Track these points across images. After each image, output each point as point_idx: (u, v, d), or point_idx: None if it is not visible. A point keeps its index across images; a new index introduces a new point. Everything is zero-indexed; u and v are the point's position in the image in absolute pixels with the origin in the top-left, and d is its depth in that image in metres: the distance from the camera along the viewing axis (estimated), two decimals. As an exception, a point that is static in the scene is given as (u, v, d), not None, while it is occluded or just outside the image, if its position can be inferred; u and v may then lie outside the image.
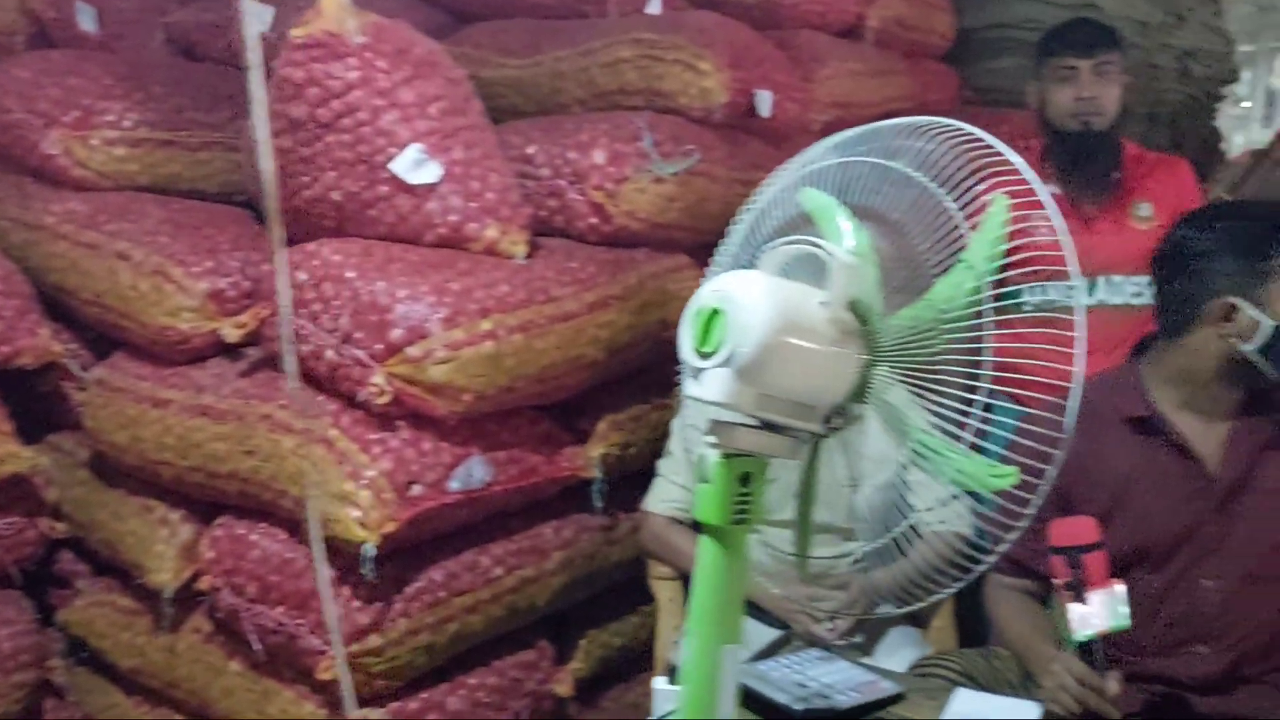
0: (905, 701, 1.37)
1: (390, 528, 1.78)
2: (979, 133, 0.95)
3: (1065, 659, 1.35)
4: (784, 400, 0.96)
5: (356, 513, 1.77)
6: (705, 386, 0.94)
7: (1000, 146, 0.94)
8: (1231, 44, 3.42)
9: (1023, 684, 1.52)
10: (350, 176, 1.91)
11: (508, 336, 1.89)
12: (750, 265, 1.06)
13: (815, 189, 1.03)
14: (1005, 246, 0.97)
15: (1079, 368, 0.95)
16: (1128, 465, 1.53)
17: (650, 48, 2.40)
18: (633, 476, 2.15)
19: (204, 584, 1.98)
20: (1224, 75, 3.36)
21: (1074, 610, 1.28)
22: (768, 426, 0.98)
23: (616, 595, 2.29)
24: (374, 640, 1.84)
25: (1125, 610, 1.29)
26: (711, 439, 0.97)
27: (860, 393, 0.98)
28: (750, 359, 0.91)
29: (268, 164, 1.60)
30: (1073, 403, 0.97)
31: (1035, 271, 2.18)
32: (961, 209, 0.94)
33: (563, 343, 2.00)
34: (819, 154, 1.05)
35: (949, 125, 0.97)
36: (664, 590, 2.06)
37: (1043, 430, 0.95)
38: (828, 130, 2.84)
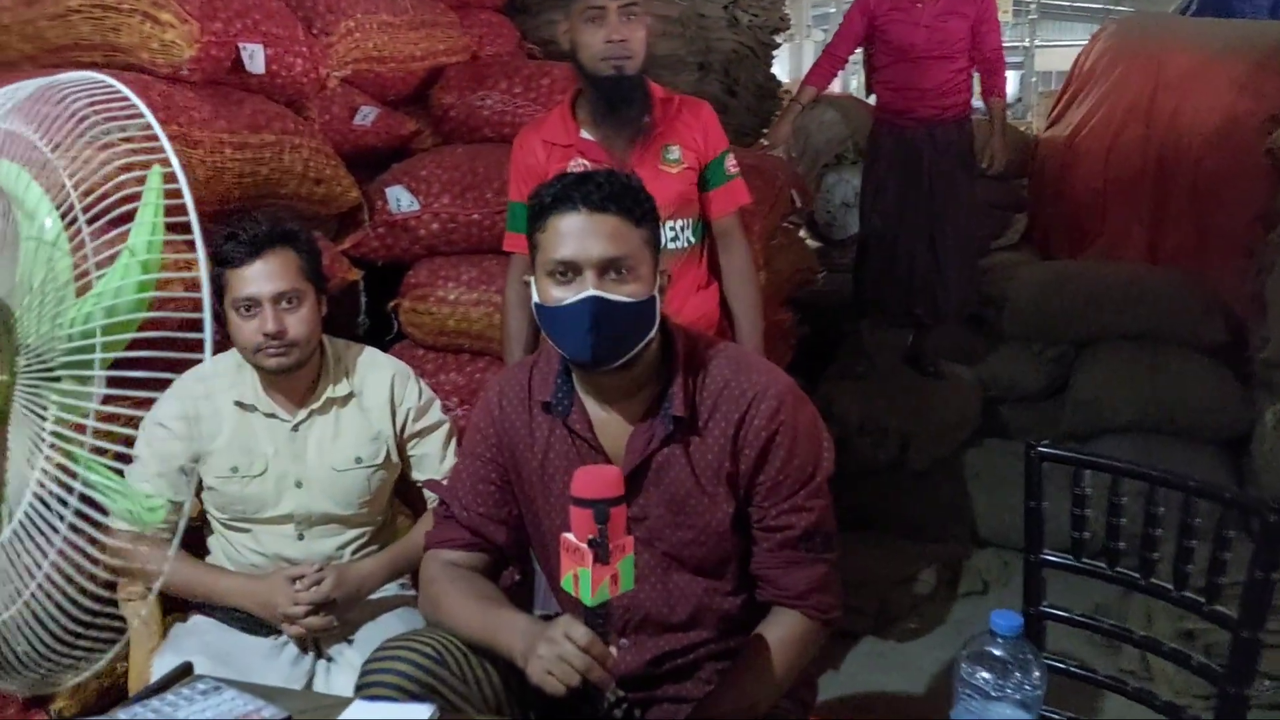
0: (294, 724, 1.24)
1: None
2: (120, 86, 0.80)
3: (568, 625, 1.16)
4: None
5: None
6: None
7: (135, 99, 0.79)
8: (779, -6, 3.54)
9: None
10: None
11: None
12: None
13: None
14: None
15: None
16: (544, 445, 1.43)
17: (104, -4, 2.11)
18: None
19: None
20: (774, 24, 3.47)
21: (598, 571, 1.08)
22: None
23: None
24: None
25: (633, 571, 1.13)
26: None
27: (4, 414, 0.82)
28: None
29: None
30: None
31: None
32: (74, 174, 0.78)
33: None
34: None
35: (93, 82, 0.81)
36: (133, 612, 1.83)
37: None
38: (358, 84, 2.71)
